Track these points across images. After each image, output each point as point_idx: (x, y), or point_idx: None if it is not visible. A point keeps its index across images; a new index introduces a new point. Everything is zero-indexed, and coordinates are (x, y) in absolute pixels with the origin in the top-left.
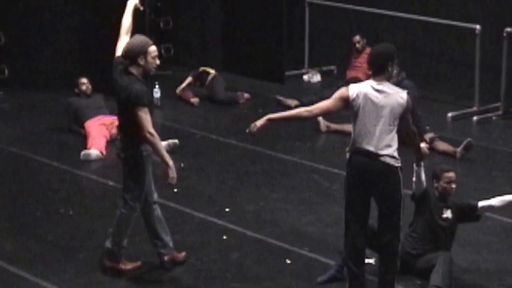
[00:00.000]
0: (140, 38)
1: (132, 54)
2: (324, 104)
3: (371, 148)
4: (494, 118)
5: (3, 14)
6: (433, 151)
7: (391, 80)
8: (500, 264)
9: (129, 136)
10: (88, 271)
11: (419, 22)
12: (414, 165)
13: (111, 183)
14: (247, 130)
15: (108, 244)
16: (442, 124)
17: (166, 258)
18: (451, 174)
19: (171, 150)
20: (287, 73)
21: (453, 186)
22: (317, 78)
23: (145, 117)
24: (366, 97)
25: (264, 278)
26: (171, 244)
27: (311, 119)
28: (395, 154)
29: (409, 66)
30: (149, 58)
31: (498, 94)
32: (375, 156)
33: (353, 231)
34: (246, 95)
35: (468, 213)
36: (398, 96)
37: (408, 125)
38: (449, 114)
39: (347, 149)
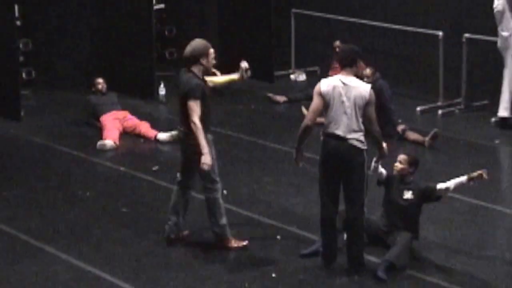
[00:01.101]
0: (202, 42)
1: (196, 55)
2: (312, 106)
3: (340, 133)
4: (456, 111)
5: (31, 25)
6: (405, 141)
7: (367, 79)
8: (466, 239)
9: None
10: (102, 246)
11: (392, 30)
12: (374, 160)
13: (122, 169)
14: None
15: (213, 228)
16: (412, 117)
17: (173, 236)
18: (400, 156)
19: (174, 140)
20: (276, 73)
21: (397, 164)
22: (302, 77)
23: (194, 108)
24: (335, 89)
25: (257, 252)
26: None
27: (314, 123)
28: (361, 138)
29: (383, 68)
30: (210, 59)
31: (459, 91)
32: (343, 139)
33: (325, 201)
34: None
35: (428, 194)
36: (362, 89)
37: (372, 124)
38: (418, 108)
39: (321, 133)
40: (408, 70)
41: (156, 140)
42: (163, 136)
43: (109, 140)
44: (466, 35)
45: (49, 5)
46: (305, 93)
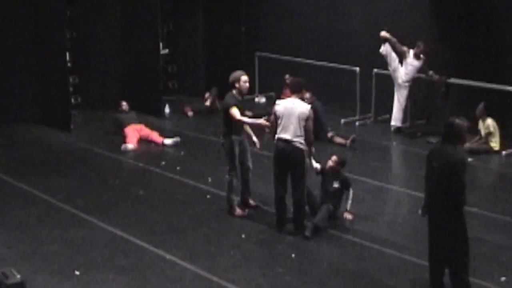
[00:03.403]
0: (238, 72)
1: (232, 80)
2: (271, 119)
3: (287, 137)
4: (368, 122)
5: (77, 64)
6: (332, 143)
7: (307, 100)
8: (371, 209)
9: (226, 132)
10: (127, 217)
11: (324, 66)
12: (307, 158)
13: (140, 164)
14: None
15: (227, 199)
16: (338, 127)
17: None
18: (333, 157)
19: (175, 145)
20: (245, 97)
21: (330, 163)
22: (263, 100)
23: (235, 112)
24: (285, 108)
25: (232, 221)
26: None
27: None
28: (302, 141)
29: (319, 93)
30: (241, 83)
31: (370, 108)
32: (289, 142)
33: (277, 186)
34: (190, 113)
35: (345, 185)
36: (304, 108)
37: (309, 133)
38: (342, 120)
39: (275, 138)
40: (336, 94)
41: (163, 145)
42: (168, 141)
43: (130, 144)
44: (375, 70)
45: (90, 53)
46: (265, 111)
